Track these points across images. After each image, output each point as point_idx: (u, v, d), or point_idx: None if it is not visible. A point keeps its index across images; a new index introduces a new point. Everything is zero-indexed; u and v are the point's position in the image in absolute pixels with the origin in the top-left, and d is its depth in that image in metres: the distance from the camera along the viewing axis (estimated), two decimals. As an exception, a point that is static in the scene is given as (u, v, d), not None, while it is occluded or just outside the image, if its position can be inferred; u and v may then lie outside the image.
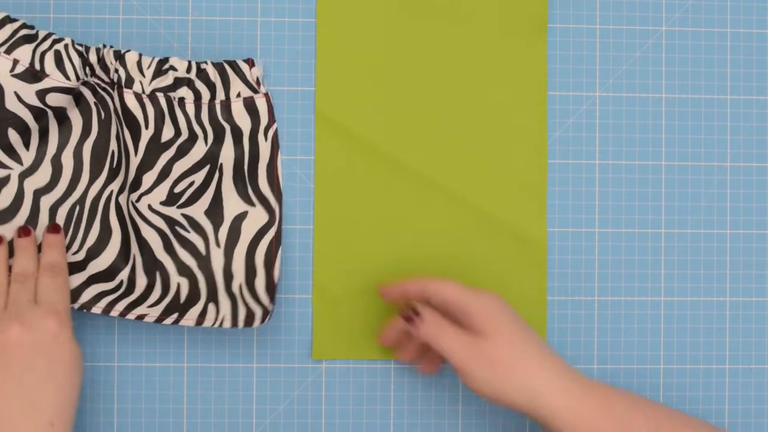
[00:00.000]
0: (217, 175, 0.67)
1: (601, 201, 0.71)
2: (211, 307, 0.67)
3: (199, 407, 0.70)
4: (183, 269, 0.67)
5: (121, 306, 0.66)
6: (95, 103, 0.67)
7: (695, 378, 0.71)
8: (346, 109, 0.70)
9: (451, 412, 0.71)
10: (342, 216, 0.70)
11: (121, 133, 0.66)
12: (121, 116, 0.65)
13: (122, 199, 0.67)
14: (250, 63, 0.67)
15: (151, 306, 0.66)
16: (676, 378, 0.71)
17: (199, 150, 0.66)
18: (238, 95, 0.67)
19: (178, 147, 0.65)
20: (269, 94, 0.67)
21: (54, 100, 0.65)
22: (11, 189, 0.66)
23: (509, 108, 0.71)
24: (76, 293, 0.66)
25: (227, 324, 0.66)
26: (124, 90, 0.64)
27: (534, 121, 0.71)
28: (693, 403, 0.71)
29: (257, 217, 0.67)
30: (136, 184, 0.65)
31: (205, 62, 0.66)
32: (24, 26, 0.65)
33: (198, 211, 0.67)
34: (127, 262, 0.67)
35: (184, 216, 0.67)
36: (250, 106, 0.67)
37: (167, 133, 0.65)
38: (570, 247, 0.71)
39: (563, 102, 0.71)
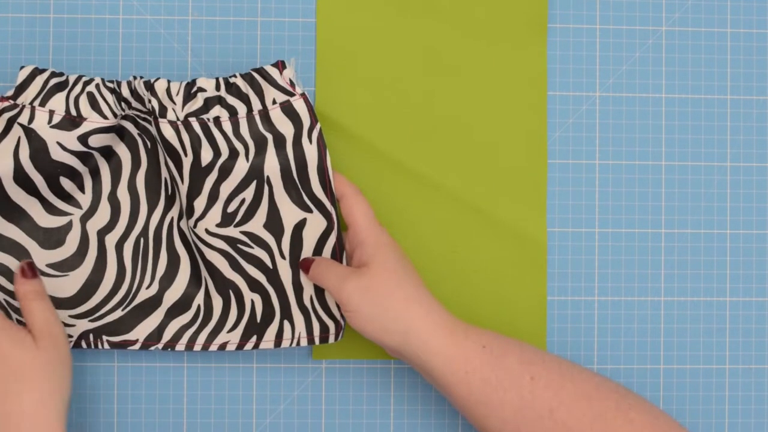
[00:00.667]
0: (266, 188, 0.65)
1: (601, 201, 0.71)
2: (287, 324, 0.66)
3: (199, 407, 0.70)
4: (254, 285, 0.66)
5: (201, 338, 0.67)
6: (139, 134, 0.66)
7: (695, 378, 0.71)
8: (346, 109, 0.71)
9: (451, 412, 0.70)
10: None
11: (167, 162, 0.65)
12: (162, 146, 0.65)
13: (183, 224, 0.67)
14: (280, 66, 0.64)
15: (230, 331, 0.67)
16: (676, 378, 0.71)
17: (242, 167, 0.65)
18: (274, 102, 0.64)
19: (220, 168, 0.64)
20: (306, 93, 0.65)
21: (96, 141, 0.65)
22: (75, 234, 0.66)
23: (509, 108, 0.71)
24: (158, 332, 0.67)
25: (304, 342, 0.66)
26: (159, 120, 0.64)
27: (534, 121, 0.71)
28: (693, 403, 0.71)
29: (316, 223, 0.66)
30: (190, 210, 0.65)
31: (234, 75, 0.65)
32: (53, 75, 0.65)
33: (257, 225, 0.66)
34: (199, 286, 0.67)
35: (244, 233, 0.66)
36: (289, 110, 0.65)
37: (206, 156, 0.64)
38: (570, 247, 0.71)
39: (563, 102, 0.71)
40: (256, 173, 0.65)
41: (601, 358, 0.71)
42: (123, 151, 0.67)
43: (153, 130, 0.66)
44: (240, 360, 0.70)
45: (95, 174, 0.67)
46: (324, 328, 0.67)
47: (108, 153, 0.66)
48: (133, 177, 0.67)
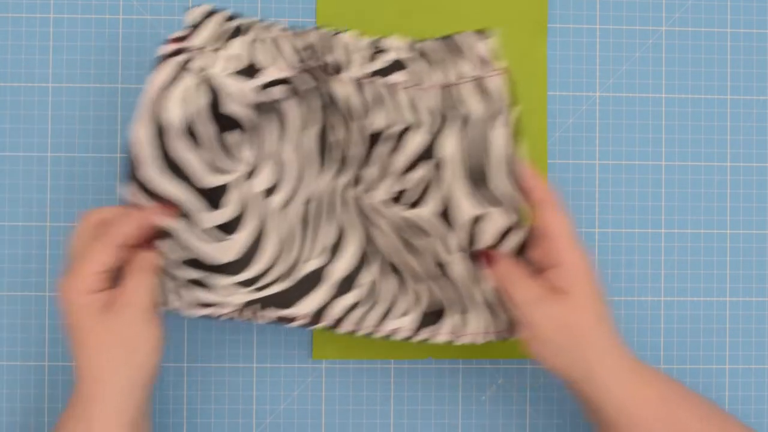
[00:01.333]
0: (441, 170, 0.59)
1: (601, 201, 0.71)
2: (463, 319, 0.62)
3: (199, 407, 0.70)
4: (424, 274, 0.61)
5: (370, 321, 0.62)
6: (309, 92, 0.59)
7: (695, 378, 0.71)
8: (347, 109, 0.70)
9: (451, 412, 0.71)
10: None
11: (338, 124, 0.60)
12: (335, 106, 0.59)
13: (351, 193, 0.61)
14: (480, 36, 0.58)
15: (402, 317, 0.62)
16: (676, 378, 0.71)
17: (416, 142, 0.58)
18: (466, 75, 0.58)
19: (392, 138, 0.58)
20: (506, 70, 0.58)
21: (270, 94, 0.59)
22: (236, 196, 0.60)
23: (509, 108, 0.71)
24: (323, 310, 0.62)
25: (486, 338, 0.61)
26: (335, 77, 0.58)
27: (534, 121, 0.71)
28: (693, 403, 0.71)
29: (497, 217, 0.60)
30: (358, 179, 0.60)
31: (425, 40, 0.58)
32: (230, 18, 0.59)
33: (428, 211, 0.60)
34: (366, 264, 0.62)
35: (414, 216, 0.60)
36: (481, 88, 0.58)
37: (379, 122, 0.58)
38: (570, 247, 0.71)
39: (563, 102, 0.71)
40: (431, 151, 0.59)
41: (601, 358, 0.71)
42: (290, 112, 0.60)
43: (325, 89, 0.59)
44: (240, 360, 0.70)
45: (260, 132, 0.60)
46: (507, 323, 0.61)
47: (276, 110, 0.60)
48: (301, 138, 0.60)
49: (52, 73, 0.70)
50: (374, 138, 0.59)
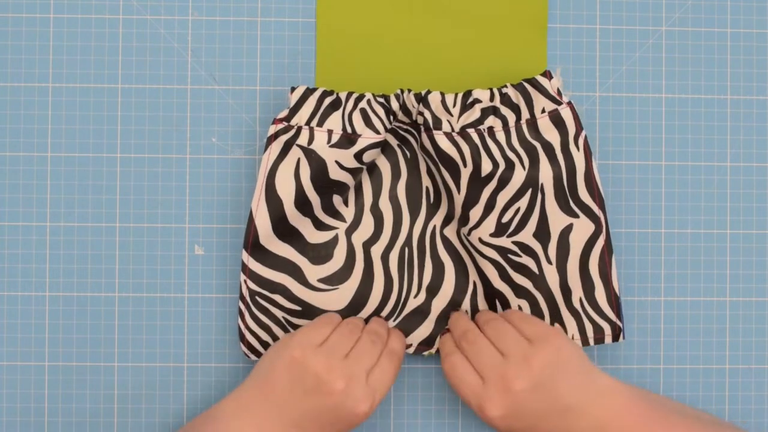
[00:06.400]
0: (539, 196, 0.66)
1: (601, 201, 0.71)
2: (557, 327, 0.67)
3: (199, 407, 0.69)
4: (520, 291, 0.67)
5: None
6: (398, 145, 0.68)
7: (695, 378, 0.71)
8: (347, 109, 0.71)
9: (451, 412, 0.70)
10: None
11: (437, 172, 0.66)
12: (435, 157, 0.65)
13: (448, 231, 0.68)
14: (548, 75, 0.66)
15: None
16: (676, 378, 0.71)
17: (519, 177, 0.65)
18: (543, 111, 0.66)
19: (499, 178, 0.65)
20: (572, 102, 0.67)
21: (368, 156, 0.66)
22: (342, 247, 0.67)
23: (509, 108, 0.71)
24: (430, 339, 0.68)
25: (578, 343, 0.67)
26: (434, 132, 0.65)
27: (534, 121, 0.71)
28: (693, 403, 0.71)
29: (583, 228, 0.67)
30: (464, 219, 0.66)
31: (505, 86, 0.66)
32: (325, 94, 0.65)
33: (527, 235, 0.66)
34: (465, 293, 0.68)
35: (515, 243, 0.66)
36: (556, 119, 0.66)
37: (486, 167, 0.65)
38: (570, 247, 0.71)
39: (563, 102, 0.71)
40: (532, 182, 0.66)
41: (601, 358, 0.71)
42: (383, 163, 0.68)
43: (413, 140, 0.67)
44: (240, 360, 0.70)
45: (358, 187, 0.68)
46: (598, 329, 0.67)
47: (370, 166, 0.68)
48: (394, 187, 0.68)
49: (52, 73, 0.70)
50: (482, 180, 0.65)
